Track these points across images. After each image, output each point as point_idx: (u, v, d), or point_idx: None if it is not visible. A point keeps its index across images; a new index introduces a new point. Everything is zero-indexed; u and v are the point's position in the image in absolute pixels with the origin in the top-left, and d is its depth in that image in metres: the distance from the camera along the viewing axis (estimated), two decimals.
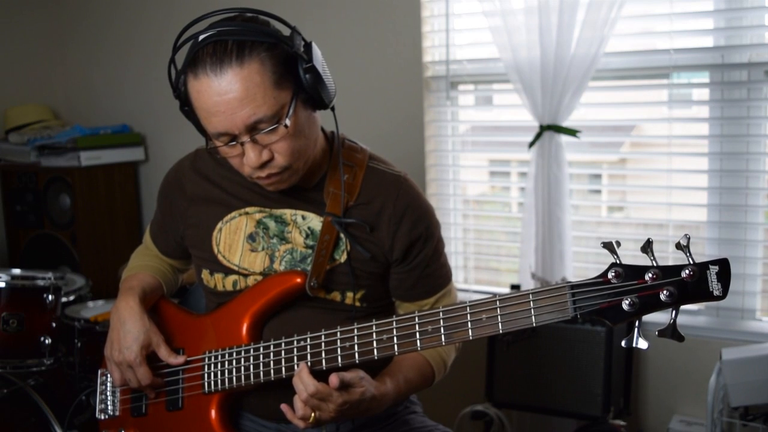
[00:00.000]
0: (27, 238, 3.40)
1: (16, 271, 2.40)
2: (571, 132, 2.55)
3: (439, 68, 2.86)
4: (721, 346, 2.28)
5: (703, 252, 2.53)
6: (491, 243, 2.93)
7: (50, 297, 2.25)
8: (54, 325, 2.28)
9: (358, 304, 1.50)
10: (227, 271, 1.52)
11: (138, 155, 3.53)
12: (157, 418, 1.53)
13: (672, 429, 2.45)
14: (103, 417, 1.60)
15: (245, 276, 1.51)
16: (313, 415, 1.31)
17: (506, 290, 2.67)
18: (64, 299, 2.46)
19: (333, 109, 1.43)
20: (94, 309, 2.56)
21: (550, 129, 2.55)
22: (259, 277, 1.49)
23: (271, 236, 1.50)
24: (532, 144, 2.60)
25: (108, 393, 1.61)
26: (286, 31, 1.37)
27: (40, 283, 2.25)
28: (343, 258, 1.46)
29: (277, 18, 1.37)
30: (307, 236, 1.48)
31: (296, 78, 1.32)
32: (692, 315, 2.56)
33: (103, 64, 3.65)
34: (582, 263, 2.74)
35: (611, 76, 2.61)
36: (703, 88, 2.52)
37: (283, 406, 1.33)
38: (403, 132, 2.89)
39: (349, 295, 1.49)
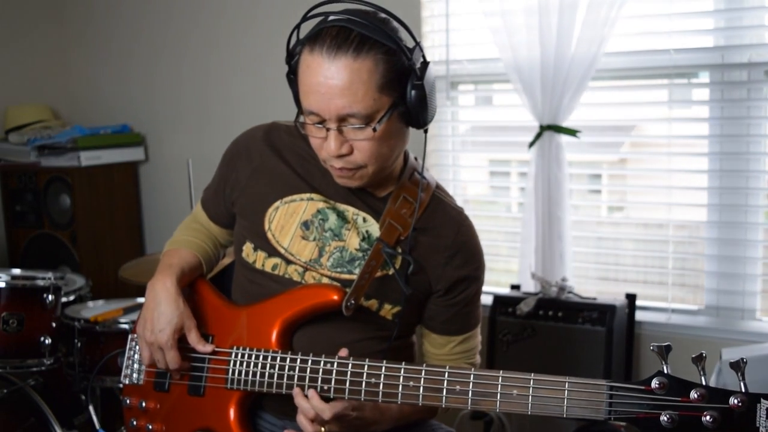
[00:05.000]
0: (27, 238, 3.39)
1: (16, 271, 2.40)
2: (571, 132, 2.55)
3: (439, 68, 2.86)
4: (721, 346, 2.27)
5: (703, 252, 2.53)
6: (491, 243, 2.93)
7: (50, 297, 2.25)
8: (54, 325, 2.28)
9: (390, 317, 1.50)
10: (272, 252, 1.51)
11: (138, 155, 3.53)
12: (178, 399, 1.54)
13: None
14: (127, 382, 1.60)
15: (288, 262, 1.50)
16: (322, 429, 1.33)
17: (506, 290, 2.67)
18: (64, 299, 2.46)
19: (426, 131, 1.43)
20: (94, 309, 2.56)
21: (550, 129, 2.54)
22: (300, 269, 1.49)
23: (326, 229, 1.49)
24: (532, 144, 2.60)
25: (136, 360, 1.61)
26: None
27: (40, 283, 2.25)
28: (391, 270, 1.46)
29: (407, 28, 1.38)
30: (364, 239, 1.48)
31: (402, 90, 1.34)
32: (692, 315, 2.56)
33: (103, 64, 3.65)
34: (582, 263, 2.74)
35: (611, 76, 2.61)
36: (703, 88, 2.52)
37: None
38: None
39: (387, 307, 1.49)
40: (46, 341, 2.24)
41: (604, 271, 2.72)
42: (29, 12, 3.61)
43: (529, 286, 2.61)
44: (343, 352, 1.37)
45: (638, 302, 2.50)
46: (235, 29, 3.25)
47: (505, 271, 2.92)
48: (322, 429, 1.33)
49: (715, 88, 2.45)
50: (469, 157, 3.01)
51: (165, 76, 3.45)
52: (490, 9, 2.57)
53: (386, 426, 1.46)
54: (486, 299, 2.62)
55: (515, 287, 2.66)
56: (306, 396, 1.35)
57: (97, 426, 2.10)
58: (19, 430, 2.06)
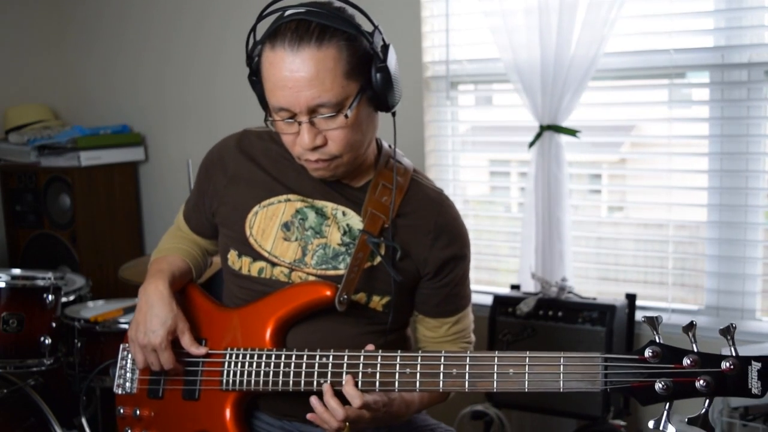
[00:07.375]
0: (27, 238, 3.39)
1: (16, 271, 2.40)
2: (571, 132, 2.55)
3: (439, 68, 2.86)
4: (721, 346, 2.27)
5: (703, 252, 2.53)
6: (491, 243, 2.93)
7: (50, 297, 2.25)
8: (54, 325, 2.28)
9: (380, 309, 1.50)
10: (256, 256, 1.51)
11: (138, 155, 3.53)
12: (172, 404, 1.54)
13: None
14: (120, 392, 1.60)
15: (273, 265, 1.50)
16: (347, 424, 1.33)
17: (506, 290, 2.67)
18: (64, 299, 2.46)
19: (394, 114, 1.45)
20: (94, 309, 2.56)
21: (550, 129, 2.54)
22: (286, 270, 1.49)
23: (306, 228, 1.49)
24: (532, 144, 2.60)
25: (128, 369, 1.61)
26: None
27: (40, 283, 2.25)
28: (377, 260, 1.47)
29: (364, 13, 1.40)
30: (345, 233, 1.49)
31: (367, 74, 1.36)
32: (692, 315, 2.56)
33: (103, 65, 3.65)
34: (582, 263, 2.74)
35: (611, 76, 2.61)
36: (703, 88, 2.52)
37: (311, 416, 1.36)
38: (403, 132, 2.88)
39: (375, 299, 1.49)
40: (46, 341, 2.24)
41: (604, 271, 2.72)
42: (29, 12, 3.61)
43: (529, 286, 2.61)
44: (370, 346, 1.37)
45: (638, 302, 2.50)
46: (236, 30, 3.24)
47: (505, 271, 2.92)
48: (347, 424, 1.33)
49: (715, 88, 2.45)
50: (469, 157, 3.01)
51: (165, 76, 3.45)
52: (490, 9, 2.57)
53: (408, 416, 1.48)
54: (486, 299, 2.63)
55: (515, 287, 2.66)
56: (333, 393, 1.34)
57: None
58: (19, 430, 2.06)
